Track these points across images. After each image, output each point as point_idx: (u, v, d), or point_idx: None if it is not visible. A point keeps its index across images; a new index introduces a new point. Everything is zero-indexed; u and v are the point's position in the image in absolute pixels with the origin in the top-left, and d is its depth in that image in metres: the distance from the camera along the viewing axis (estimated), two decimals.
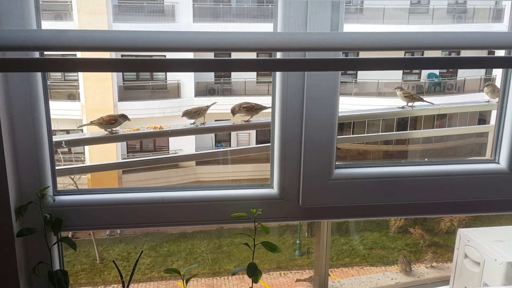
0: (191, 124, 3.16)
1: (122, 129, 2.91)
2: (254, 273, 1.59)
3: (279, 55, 1.53)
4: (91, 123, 2.87)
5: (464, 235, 3.90)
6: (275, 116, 1.61)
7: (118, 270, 1.68)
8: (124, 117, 2.81)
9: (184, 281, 1.60)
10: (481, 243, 3.73)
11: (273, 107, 1.62)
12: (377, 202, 1.71)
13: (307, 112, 1.55)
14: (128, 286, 1.67)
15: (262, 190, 1.69)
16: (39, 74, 1.49)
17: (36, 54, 1.45)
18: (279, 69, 1.51)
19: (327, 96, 1.54)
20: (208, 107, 3.28)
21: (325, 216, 1.82)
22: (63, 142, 2.52)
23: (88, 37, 1.23)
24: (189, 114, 3.17)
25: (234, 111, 3.21)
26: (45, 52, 1.57)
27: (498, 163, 1.76)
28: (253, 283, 1.62)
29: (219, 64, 1.45)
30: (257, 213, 1.58)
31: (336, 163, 1.64)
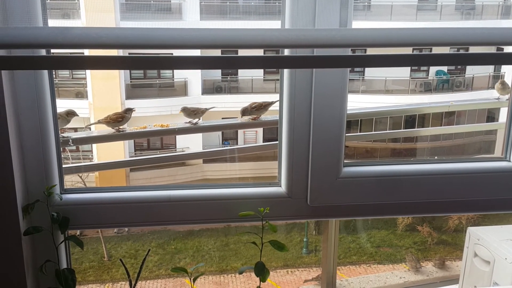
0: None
1: (129, 127, 2.91)
2: (261, 272, 1.58)
3: (286, 52, 1.51)
4: (99, 122, 2.87)
5: (474, 234, 3.86)
6: (282, 114, 1.60)
7: (126, 269, 1.67)
8: (129, 111, 2.80)
9: (192, 279, 1.59)
10: (491, 242, 3.70)
11: (280, 104, 1.61)
12: (386, 201, 1.69)
13: (315, 109, 1.54)
14: (135, 285, 1.66)
15: (270, 188, 1.67)
16: (45, 72, 1.48)
17: (43, 52, 1.44)
18: (287, 66, 1.50)
19: (335, 93, 1.52)
20: (206, 109, 3.27)
21: (333, 214, 1.81)
22: (70, 140, 2.52)
23: (94, 35, 1.23)
24: (187, 111, 3.16)
25: (245, 112, 3.19)
26: (53, 51, 1.56)
27: (509, 161, 1.74)
28: (261, 282, 1.61)
29: (226, 61, 1.43)
30: (265, 211, 1.56)
31: (345, 161, 1.63)
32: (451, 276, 8.04)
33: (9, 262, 1.48)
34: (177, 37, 1.25)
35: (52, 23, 1.47)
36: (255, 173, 8.22)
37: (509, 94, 1.78)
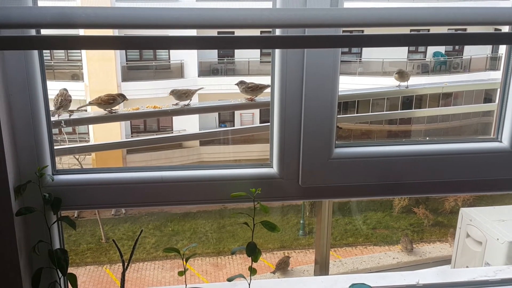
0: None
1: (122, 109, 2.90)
2: (253, 252, 1.59)
3: (278, 32, 1.50)
4: (90, 103, 2.86)
5: (466, 214, 3.88)
6: (274, 95, 1.59)
7: (118, 249, 1.68)
8: (122, 97, 2.79)
9: (184, 259, 1.60)
10: (483, 223, 3.72)
11: (272, 85, 1.60)
12: (377, 182, 1.69)
13: (306, 90, 1.53)
14: (128, 264, 1.67)
15: (262, 169, 1.68)
16: (35, 53, 1.47)
17: (33, 32, 1.43)
18: (278, 46, 1.49)
19: (327, 74, 1.52)
20: (196, 90, 3.25)
21: (325, 195, 1.81)
22: (63, 121, 2.52)
23: (83, 14, 1.21)
24: (176, 93, 3.15)
25: (242, 84, 3.19)
26: (44, 31, 1.54)
27: (501, 141, 1.74)
28: (253, 262, 1.62)
29: (218, 41, 1.42)
30: (256, 192, 1.57)
31: (336, 142, 1.63)
32: (444, 257, 8.11)
33: (1, 242, 1.49)
34: (168, 17, 1.25)
35: (46, 4, 1.45)
36: (252, 155, 8.23)
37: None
